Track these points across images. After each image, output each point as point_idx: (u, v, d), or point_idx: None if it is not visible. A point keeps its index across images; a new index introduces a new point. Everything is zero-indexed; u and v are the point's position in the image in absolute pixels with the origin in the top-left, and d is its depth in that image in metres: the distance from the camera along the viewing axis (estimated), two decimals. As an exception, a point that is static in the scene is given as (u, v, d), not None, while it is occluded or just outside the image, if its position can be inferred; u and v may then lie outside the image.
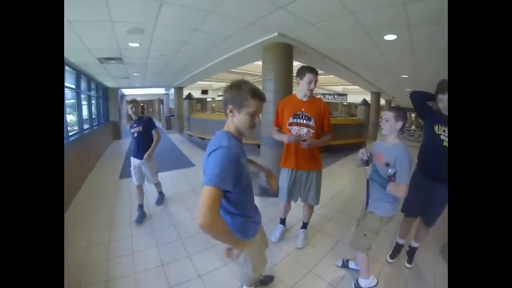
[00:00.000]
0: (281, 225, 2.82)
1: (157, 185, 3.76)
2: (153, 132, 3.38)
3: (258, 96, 1.26)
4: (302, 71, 2.30)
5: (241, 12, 2.81)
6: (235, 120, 1.27)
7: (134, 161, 3.34)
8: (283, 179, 2.50)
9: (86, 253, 2.53)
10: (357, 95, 14.68)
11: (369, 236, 1.86)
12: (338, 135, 7.42)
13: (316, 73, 2.30)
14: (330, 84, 15.43)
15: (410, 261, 2.31)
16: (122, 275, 2.21)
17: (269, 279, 2.11)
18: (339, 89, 17.00)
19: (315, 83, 2.31)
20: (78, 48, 4.08)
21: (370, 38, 3.53)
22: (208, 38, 3.89)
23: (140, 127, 3.27)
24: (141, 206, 3.37)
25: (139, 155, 3.30)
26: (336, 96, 18.44)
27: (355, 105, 15.20)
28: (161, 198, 3.88)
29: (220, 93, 21.25)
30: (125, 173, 5.46)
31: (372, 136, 11.30)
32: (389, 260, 2.36)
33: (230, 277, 2.18)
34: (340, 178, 4.93)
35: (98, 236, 2.87)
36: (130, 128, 3.32)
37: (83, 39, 3.63)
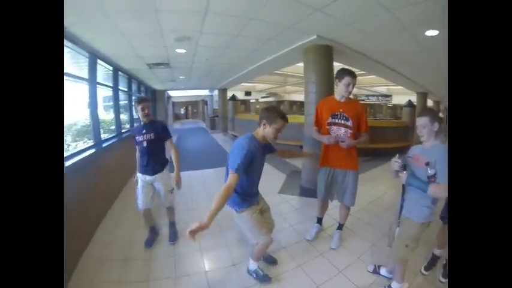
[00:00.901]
0: (317, 224, 2.87)
1: (171, 210, 2.88)
2: (168, 142, 2.68)
3: (284, 118, 1.84)
4: (341, 74, 2.36)
5: (280, 17, 2.91)
6: (266, 130, 1.84)
7: (143, 178, 2.63)
8: (321, 177, 2.59)
9: (132, 235, 2.91)
10: (402, 96, 13.81)
11: (410, 246, 1.78)
12: (381, 138, 7.12)
13: (354, 76, 2.34)
14: (373, 84, 14.74)
15: (445, 276, 2.13)
16: (164, 256, 2.52)
17: (271, 260, 2.38)
18: (383, 89, 16.14)
19: (353, 86, 2.35)
20: (130, 55, 4.55)
21: (410, 35, 3.39)
22: (250, 43, 4.07)
23: (151, 134, 2.56)
24: (153, 228, 2.82)
25: (149, 169, 2.60)
26: (380, 98, 17.57)
27: (401, 107, 14.35)
28: (174, 232, 2.84)
29: (263, 95, 21.63)
30: (171, 167, 5.96)
31: (418, 140, 10.56)
32: (424, 272, 2.22)
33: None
34: (381, 183, 4.76)
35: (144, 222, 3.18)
36: (137, 133, 2.61)
37: (134, 47, 4.05)
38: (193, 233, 1.45)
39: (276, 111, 1.85)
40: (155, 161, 2.61)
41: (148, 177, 2.62)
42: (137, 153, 2.70)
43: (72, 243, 2.37)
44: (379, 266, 2.24)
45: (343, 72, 2.35)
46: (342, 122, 2.40)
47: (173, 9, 2.62)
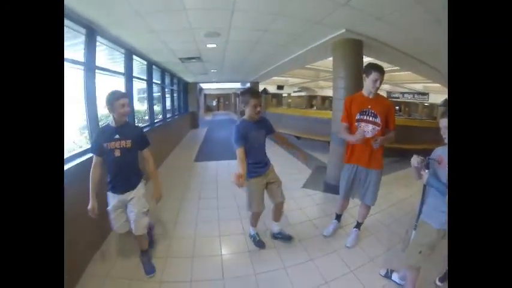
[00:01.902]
0: (335, 221, 2.87)
1: (142, 240, 2.22)
2: (145, 152, 2.14)
3: (253, 95, 2.24)
4: (368, 69, 2.31)
5: (307, 12, 2.91)
6: (247, 110, 2.27)
7: (114, 198, 2.03)
8: (344, 174, 2.59)
9: (159, 214, 3.22)
10: (440, 95, 12.86)
11: (424, 253, 1.69)
12: (413, 139, 6.78)
13: (382, 71, 2.27)
14: (408, 81, 13.94)
15: None
16: (184, 236, 2.79)
17: (286, 237, 2.68)
18: (419, 87, 15.12)
19: (381, 82, 2.29)
20: (163, 50, 4.78)
21: (444, 27, 3.16)
22: (279, 38, 4.09)
23: (127, 141, 1.98)
24: (145, 252, 2.27)
25: (120, 186, 2.02)
26: (416, 96, 16.48)
27: (438, 106, 13.42)
28: (150, 264, 2.23)
29: (296, 89, 21.44)
30: (200, 157, 6.58)
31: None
32: (438, 283, 2.05)
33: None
34: (408, 186, 4.54)
35: (170, 205, 3.52)
36: (108, 139, 1.97)
37: (167, 43, 4.26)
38: (238, 177, 1.98)
39: (247, 92, 2.28)
40: (128, 175, 2.06)
41: (117, 197, 2.03)
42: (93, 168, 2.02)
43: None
44: (391, 271, 2.17)
45: (370, 68, 2.29)
46: (371, 118, 2.36)
47: (201, 7, 2.75)
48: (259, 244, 2.59)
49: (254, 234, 2.65)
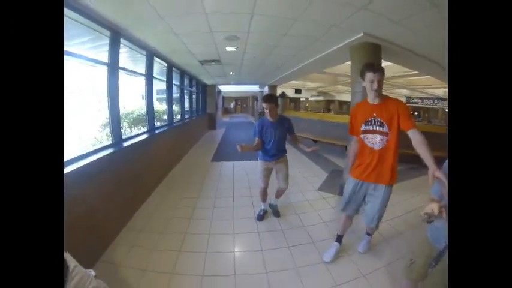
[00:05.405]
0: (336, 243, 2.48)
1: None
2: None
3: (264, 100, 2.79)
4: (362, 71, 1.99)
5: (324, 16, 2.93)
6: (266, 112, 2.79)
7: None
8: (347, 188, 2.27)
9: (175, 211, 3.38)
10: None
11: None
12: (433, 146, 6.62)
13: (375, 70, 1.93)
14: (428, 86, 13.53)
15: None
16: (199, 233, 2.88)
17: (276, 211, 3.28)
18: (439, 92, 14.69)
19: (378, 82, 1.93)
20: (183, 52, 4.92)
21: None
22: (297, 42, 4.12)
23: None
24: None
25: None
26: (435, 101, 16.05)
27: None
28: None
29: (313, 94, 21.44)
30: (217, 157, 6.72)
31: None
32: None
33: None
34: (425, 193, 4.41)
35: (186, 202, 3.65)
36: None
37: (187, 46, 4.39)
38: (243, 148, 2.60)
39: (262, 98, 2.85)
40: None
41: None
42: None
43: (128, 204, 3.07)
44: None
45: (364, 68, 1.98)
46: (377, 128, 2.02)
47: (221, 11, 2.83)
48: (259, 217, 3.16)
49: (261, 209, 3.23)
